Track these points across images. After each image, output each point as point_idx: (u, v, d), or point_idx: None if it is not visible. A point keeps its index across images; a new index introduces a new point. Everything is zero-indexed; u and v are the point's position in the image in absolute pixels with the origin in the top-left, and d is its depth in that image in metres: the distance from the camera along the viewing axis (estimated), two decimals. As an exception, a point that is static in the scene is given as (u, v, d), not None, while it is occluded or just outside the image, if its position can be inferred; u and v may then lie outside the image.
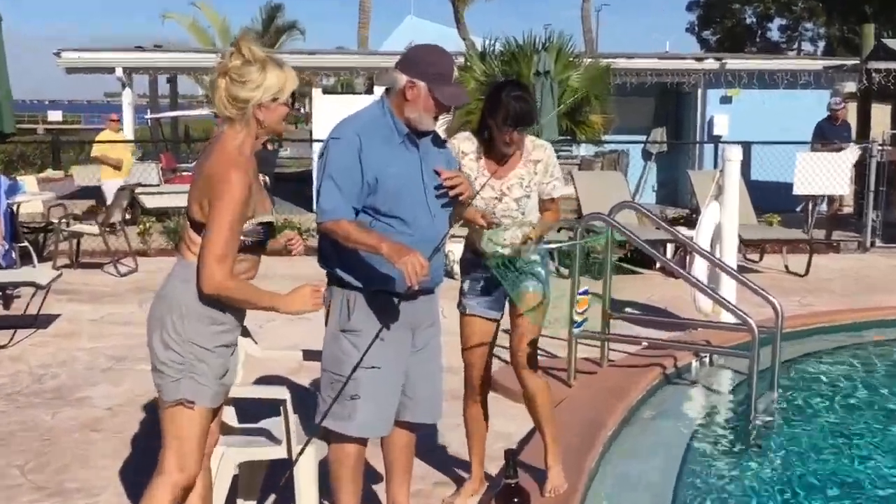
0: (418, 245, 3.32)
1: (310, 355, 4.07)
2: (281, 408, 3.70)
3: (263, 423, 4.03)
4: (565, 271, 9.90)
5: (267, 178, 17.17)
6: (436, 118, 3.46)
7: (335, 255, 3.48)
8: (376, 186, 3.37)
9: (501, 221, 4.04)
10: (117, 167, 14.25)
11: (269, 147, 24.20)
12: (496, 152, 4.08)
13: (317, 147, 15.23)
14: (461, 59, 15.31)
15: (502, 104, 3.96)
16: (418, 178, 3.45)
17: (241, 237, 3.07)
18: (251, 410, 4.03)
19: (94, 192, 15.37)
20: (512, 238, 4.02)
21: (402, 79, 3.42)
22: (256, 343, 4.10)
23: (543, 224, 4.18)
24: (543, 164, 4.17)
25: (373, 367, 3.44)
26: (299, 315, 3.18)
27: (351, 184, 3.35)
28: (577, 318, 4.02)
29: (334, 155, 3.39)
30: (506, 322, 4.37)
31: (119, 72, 17.21)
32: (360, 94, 21.73)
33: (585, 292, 3.81)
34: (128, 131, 17.70)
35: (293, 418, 3.74)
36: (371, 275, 3.44)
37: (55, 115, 48.54)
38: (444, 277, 3.80)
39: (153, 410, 5.57)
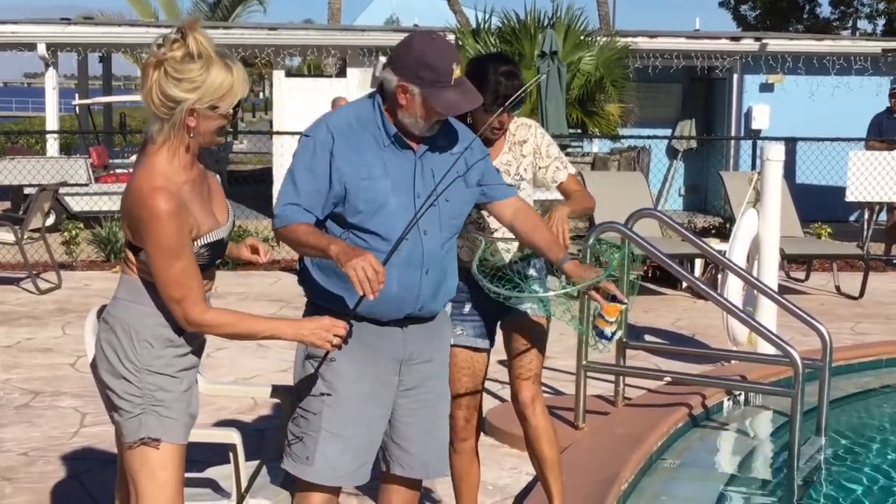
0: (401, 267, 3.36)
1: (267, 391, 4.06)
2: (230, 454, 3.69)
3: (209, 473, 4.02)
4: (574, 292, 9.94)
5: (218, 177, 17.26)
6: (437, 122, 3.43)
7: (306, 270, 3.54)
8: (345, 196, 3.38)
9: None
10: None
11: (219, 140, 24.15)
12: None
13: (278, 140, 15.30)
14: (451, 37, 15.41)
15: (489, 82, 4.00)
16: (409, 186, 3.43)
17: None
18: (195, 457, 4.02)
19: (10, 193, 15.33)
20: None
21: (394, 80, 3.38)
22: (201, 375, 4.08)
23: (575, 204, 4.17)
24: (532, 144, 4.24)
25: (325, 395, 3.44)
26: (305, 343, 3.28)
27: (313, 187, 3.38)
28: (608, 329, 3.90)
29: (300, 154, 3.44)
30: (499, 352, 4.38)
31: (41, 48, 17.20)
32: (331, 76, 21.76)
33: (614, 298, 3.75)
34: (51, 119, 17.69)
35: (245, 466, 3.74)
36: (340, 293, 3.44)
37: (-36, 100, 48.52)
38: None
39: (78, 456, 5.58)
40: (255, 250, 3.59)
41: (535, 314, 4.25)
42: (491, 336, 4.32)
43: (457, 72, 3.37)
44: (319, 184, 3.38)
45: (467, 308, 4.21)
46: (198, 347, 3.30)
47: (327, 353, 3.30)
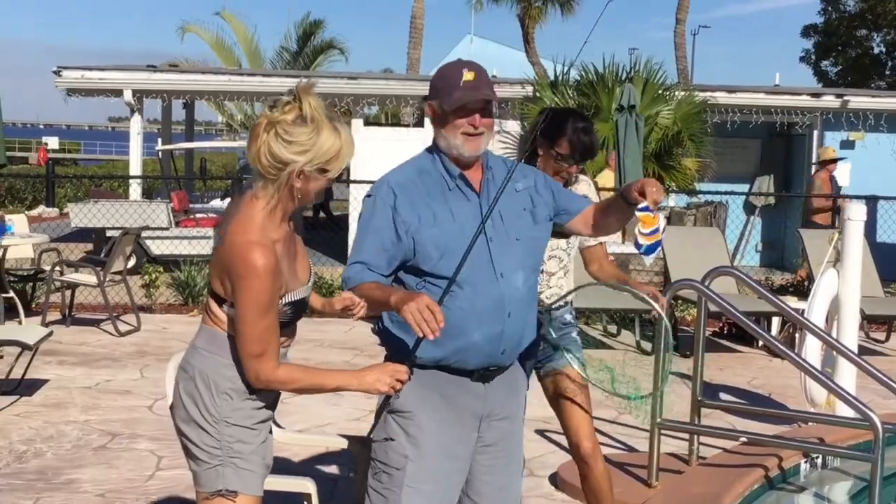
0: (480, 313, 3.39)
1: (341, 442, 4.09)
2: (304, 503, 3.72)
3: (282, 521, 4.04)
4: (647, 346, 9.89)
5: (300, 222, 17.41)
6: (469, 135, 3.44)
7: (386, 330, 3.56)
8: (414, 246, 3.43)
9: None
10: None
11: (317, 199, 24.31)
12: None
13: (355, 188, 15.45)
14: (529, 89, 15.50)
15: (566, 135, 4.21)
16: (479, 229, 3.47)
17: None
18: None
19: (93, 235, 15.64)
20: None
21: (426, 106, 3.58)
22: (278, 424, 4.12)
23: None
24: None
25: (408, 449, 3.44)
26: (371, 393, 3.23)
27: (377, 244, 3.44)
28: (644, 242, 3.68)
29: (365, 215, 3.52)
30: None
31: (128, 95, 17.50)
32: (408, 126, 21.95)
33: (646, 209, 3.58)
34: (134, 164, 18.04)
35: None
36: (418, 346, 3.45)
37: (51, 142, 49.66)
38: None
39: (153, 499, 5.64)
40: (348, 307, 3.40)
41: (573, 368, 4.42)
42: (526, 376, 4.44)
43: (467, 76, 3.44)
44: (382, 240, 3.43)
45: None
46: (273, 401, 3.32)
47: (388, 396, 3.34)
